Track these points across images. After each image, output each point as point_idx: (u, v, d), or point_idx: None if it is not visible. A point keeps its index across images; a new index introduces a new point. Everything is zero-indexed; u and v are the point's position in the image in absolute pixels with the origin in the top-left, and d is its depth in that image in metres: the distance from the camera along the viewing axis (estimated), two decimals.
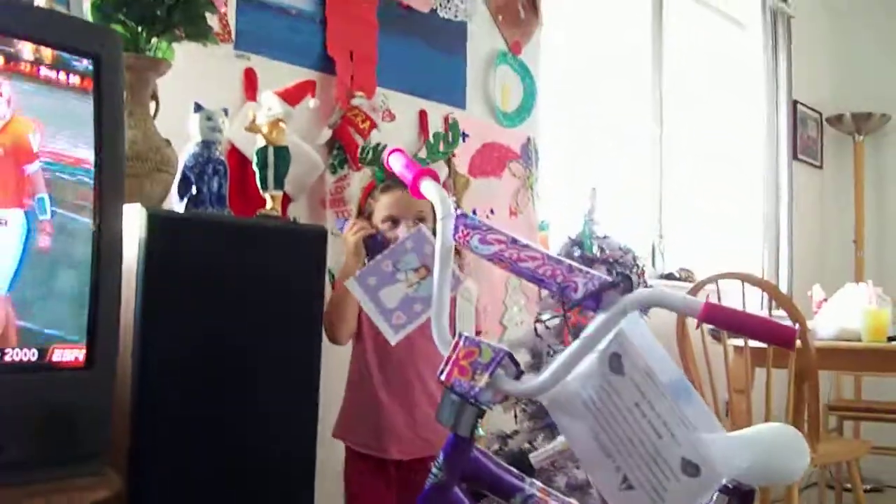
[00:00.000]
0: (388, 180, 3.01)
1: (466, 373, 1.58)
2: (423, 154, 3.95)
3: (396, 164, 1.90)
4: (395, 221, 2.92)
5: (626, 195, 5.57)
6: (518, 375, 1.62)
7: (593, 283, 1.59)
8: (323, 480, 2.60)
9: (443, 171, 4.01)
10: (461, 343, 1.61)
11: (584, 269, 1.62)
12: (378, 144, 3.64)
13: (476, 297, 3.20)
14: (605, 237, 3.47)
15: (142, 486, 2.13)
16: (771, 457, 1.58)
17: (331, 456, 2.91)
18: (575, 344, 1.56)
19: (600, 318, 1.55)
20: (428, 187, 1.80)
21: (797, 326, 3.65)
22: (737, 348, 4.17)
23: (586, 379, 1.59)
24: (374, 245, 2.87)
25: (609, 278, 1.58)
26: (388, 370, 2.91)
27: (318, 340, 2.53)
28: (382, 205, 2.96)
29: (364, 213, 3.05)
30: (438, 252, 1.72)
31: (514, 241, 1.66)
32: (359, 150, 3.62)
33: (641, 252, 4.24)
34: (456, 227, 1.69)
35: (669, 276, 5.57)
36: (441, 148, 4.02)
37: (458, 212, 1.72)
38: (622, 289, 1.55)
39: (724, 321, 1.52)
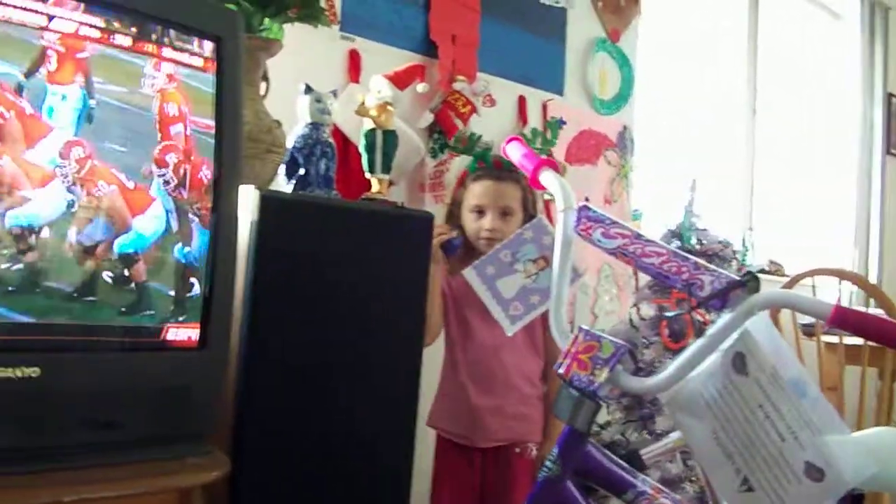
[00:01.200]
0: (480, 170, 2.99)
1: (586, 367, 1.57)
2: None
3: (515, 153, 1.89)
4: (481, 211, 2.91)
5: (718, 186, 5.51)
6: (636, 371, 1.60)
7: (720, 281, 1.57)
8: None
9: None
10: (581, 337, 1.59)
11: (711, 266, 1.60)
12: (473, 134, 3.63)
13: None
14: (704, 229, 3.43)
15: (245, 469, 2.14)
16: (890, 464, 1.55)
17: (423, 438, 2.93)
18: (699, 342, 1.54)
19: (726, 317, 1.52)
20: (548, 178, 1.78)
21: None
22: (828, 345, 4.10)
23: (708, 378, 1.57)
24: (451, 249, 2.85)
25: (736, 277, 1.56)
26: (474, 362, 2.91)
27: (421, 328, 2.53)
28: (472, 193, 2.95)
29: (455, 201, 3.04)
30: (559, 244, 1.70)
31: (638, 235, 1.64)
32: (452, 139, 3.60)
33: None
34: (578, 220, 1.67)
35: (760, 271, 5.50)
36: (539, 144, 4.00)
37: (581, 204, 1.70)
38: (750, 288, 1.53)
39: (854, 325, 1.48)
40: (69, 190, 1.67)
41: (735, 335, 1.53)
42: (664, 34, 5.14)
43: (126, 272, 1.76)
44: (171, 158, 1.82)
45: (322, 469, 2.28)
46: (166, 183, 1.81)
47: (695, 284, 1.60)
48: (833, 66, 6.75)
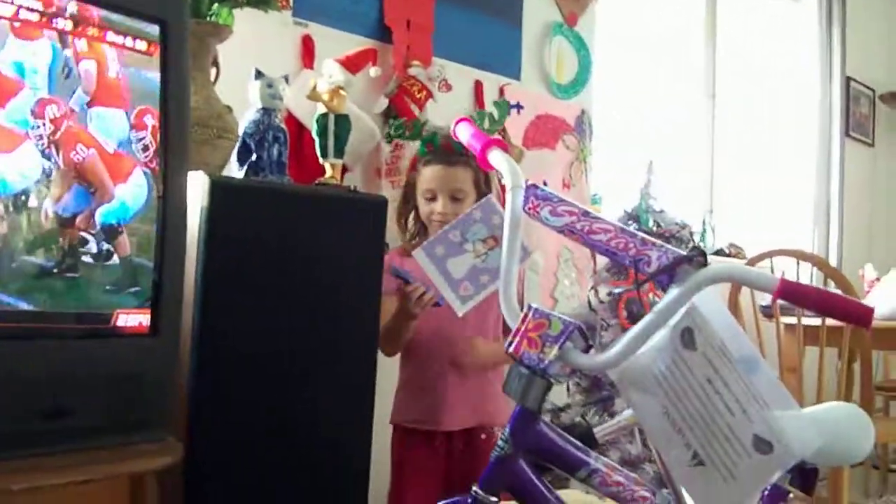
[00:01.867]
0: (430, 154, 2.97)
1: (535, 345, 1.56)
2: None
3: (464, 134, 1.88)
4: (433, 196, 2.90)
5: (678, 169, 5.53)
6: (587, 349, 1.60)
7: (667, 256, 1.57)
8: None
9: None
10: (530, 315, 1.58)
11: (658, 242, 1.59)
12: (418, 120, 3.60)
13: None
14: (661, 211, 3.44)
15: (198, 455, 2.13)
16: (840, 437, 1.56)
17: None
18: (647, 318, 1.53)
19: (674, 292, 1.52)
20: (496, 158, 1.77)
21: None
22: (788, 326, 4.10)
23: (657, 353, 1.57)
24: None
25: (683, 252, 1.56)
26: (439, 346, 2.88)
27: (375, 310, 2.52)
28: (423, 178, 2.93)
29: (409, 183, 3.03)
30: (507, 223, 1.69)
31: (586, 213, 1.64)
32: (388, 126, 3.59)
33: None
34: (526, 199, 1.66)
35: (719, 252, 5.52)
36: (486, 125, 3.99)
37: (529, 183, 1.69)
38: (696, 263, 1.53)
39: (800, 297, 1.49)
40: (44, 154, 1.64)
41: (683, 310, 1.53)
42: (622, 18, 5.14)
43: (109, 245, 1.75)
44: (149, 120, 1.82)
45: (275, 455, 2.27)
46: (145, 148, 1.80)
47: (642, 260, 1.59)
48: (791, 49, 6.78)
